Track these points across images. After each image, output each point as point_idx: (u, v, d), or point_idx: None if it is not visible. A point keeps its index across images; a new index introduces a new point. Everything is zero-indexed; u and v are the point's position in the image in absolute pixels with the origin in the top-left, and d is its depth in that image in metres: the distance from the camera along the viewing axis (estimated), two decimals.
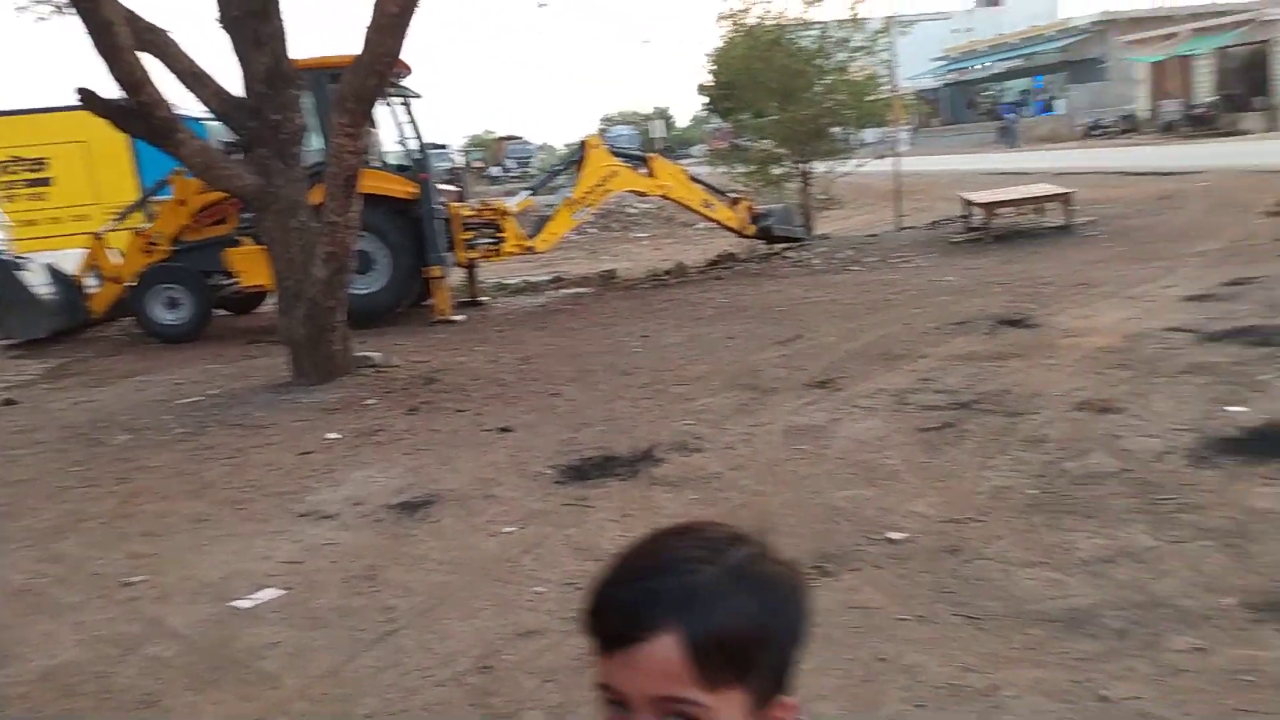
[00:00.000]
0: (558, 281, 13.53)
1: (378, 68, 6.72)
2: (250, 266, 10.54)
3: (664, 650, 0.85)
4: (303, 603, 3.70)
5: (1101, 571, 3.32)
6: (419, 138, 11.37)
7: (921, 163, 29.19)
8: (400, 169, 11.23)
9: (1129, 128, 33.83)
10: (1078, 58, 40.65)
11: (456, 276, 12.34)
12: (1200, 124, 29.73)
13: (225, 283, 11.76)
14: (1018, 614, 3.10)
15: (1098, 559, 3.41)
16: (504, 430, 5.82)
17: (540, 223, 11.89)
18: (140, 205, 12.12)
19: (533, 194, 12.90)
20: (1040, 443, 4.66)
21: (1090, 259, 9.88)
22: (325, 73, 9.93)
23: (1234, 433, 4.49)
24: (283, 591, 3.80)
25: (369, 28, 6.55)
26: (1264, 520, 3.58)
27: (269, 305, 11.57)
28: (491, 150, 58.83)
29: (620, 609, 0.88)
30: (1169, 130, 30.78)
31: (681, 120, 78.57)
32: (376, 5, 6.41)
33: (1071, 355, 6.17)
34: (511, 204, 11.81)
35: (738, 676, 0.86)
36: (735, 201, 12.91)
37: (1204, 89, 33.21)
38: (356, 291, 10.88)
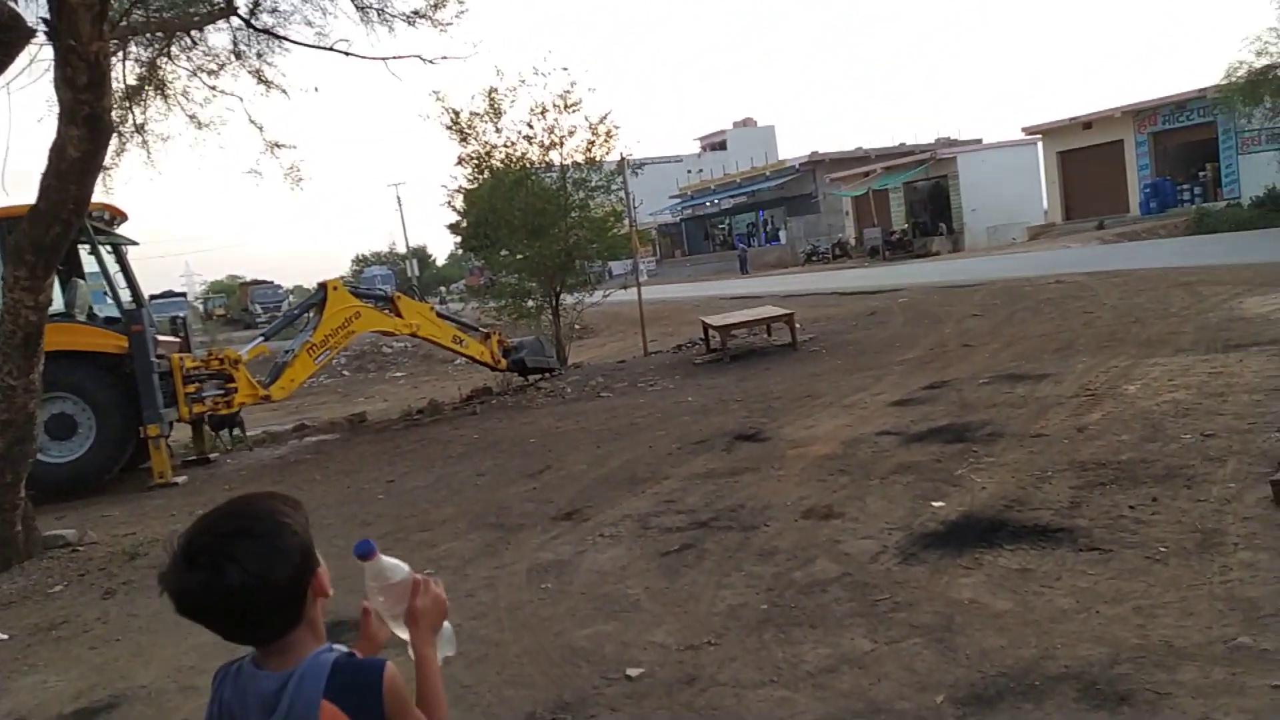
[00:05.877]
0: (301, 429, 12.74)
1: (62, 216, 6.10)
2: None
3: None
4: None
5: (826, 683, 3.38)
6: (133, 287, 10.53)
7: (667, 290, 31.03)
8: (110, 321, 10.28)
9: (841, 253, 38.23)
10: (793, 194, 45.73)
11: (184, 433, 11.28)
12: (897, 248, 34.15)
13: None
14: None
15: (822, 669, 3.48)
16: None
17: (279, 369, 11.24)
18: None
19: (266, 340, 12.22)
20: (771, 555, 4.80)
21: (813, 372, 10.72)
22: (2, 223, 9.03)
23: (937, 527, 4.86)
24: None
25: (46, 174, 5.98)
26: (966, 611, 3.82)
27: None
28: (237, 296, 56.28)
29: None
30: (873, 254, 35.05)
31: (441, 258, 79.00)
32: (55, 150, 5.86)
33: (798, 465, 6.53)
34: (243, 351, 11.09)
35: None
36: (486, 336, 12.93)
37: (898, 218, 38.40)
38: (54, 459, 9.70)
